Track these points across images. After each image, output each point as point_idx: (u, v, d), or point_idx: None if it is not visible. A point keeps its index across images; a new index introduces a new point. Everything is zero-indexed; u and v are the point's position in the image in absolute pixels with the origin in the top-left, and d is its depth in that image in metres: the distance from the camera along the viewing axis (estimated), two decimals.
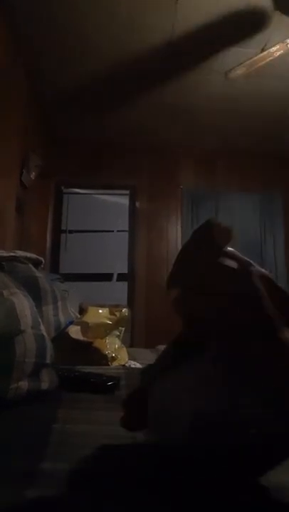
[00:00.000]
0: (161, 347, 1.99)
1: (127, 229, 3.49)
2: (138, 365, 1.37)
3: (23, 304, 0.89)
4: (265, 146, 3.32)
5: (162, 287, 2.86)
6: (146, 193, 3.43)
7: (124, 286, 3.39)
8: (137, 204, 3.46)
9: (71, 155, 3.34)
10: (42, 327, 0.94)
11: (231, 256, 0.48)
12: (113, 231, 3.55)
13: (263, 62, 1.96)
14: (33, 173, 2.50)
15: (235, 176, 3.45)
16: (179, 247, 3.31)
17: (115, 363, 1.33)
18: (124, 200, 3.56)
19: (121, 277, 3.42)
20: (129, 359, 1.44)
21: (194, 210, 3.37)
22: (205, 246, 0.51)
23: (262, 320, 0.42)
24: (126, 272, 3.41)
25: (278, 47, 1.87)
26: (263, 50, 2.00)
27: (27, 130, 2.48)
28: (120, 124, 3.09)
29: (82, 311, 1.77)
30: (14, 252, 1.37)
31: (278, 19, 1.90)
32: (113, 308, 1.58)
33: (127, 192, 3.56)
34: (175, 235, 3.38)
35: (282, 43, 1.86)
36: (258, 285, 0.45)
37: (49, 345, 0.92)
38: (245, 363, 0.43)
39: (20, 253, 1.39)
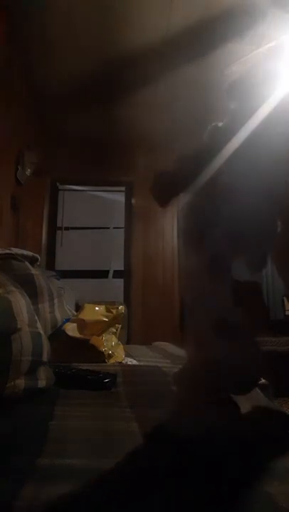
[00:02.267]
0: (158, 344, 2.00)
1: (123, 226, 3.49)
2: (135, 362, 1.37)
3: (19, 302, 0.89)
4: None
5: (158, 284, 2.85)
6: (142, 189, 3.42)
7: (120, 283, 3.39)
8: (133, 201, 3.45)
9: (66, 152, 3.32)
10: (38, 325, 0.94)
11: None
12: (109, 228, 3.55)
13: (259, 60, 1.95)
14: (28, 170, 2.48)
15: None
16: (176, 244, 3.29)
17: (112, 360, 1.33)
18: (120, 197, 3.55)
19: (117, 274, 3.42)
20: (126, 356, 1.45)
21: None
22: None
23: None
24: (122, 268, 3.41)
25: (274, 43, 1.87)
26: (258, 47, 1.99)
27: (22, 127, 2.46)
28: (116, 121, 3.07)
29: (78, 308, 1.77)
30: (10, 250, 1.37)
31: (274, 16, 1.90)
32: (109, 305, 1.58)
33: (123, 189, 3.55)
34: (171, 231, 3.38)
35: (279, 39, 1.85)
36: None
37: (46, 343, 0.92)
38: None
39: (16, 250, 1.38)
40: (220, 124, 0.58)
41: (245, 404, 0.58)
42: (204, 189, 0.54)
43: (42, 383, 0.84)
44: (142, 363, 1.36)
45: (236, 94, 0.56)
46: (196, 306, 0.53)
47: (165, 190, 0.59)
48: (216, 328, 0.48)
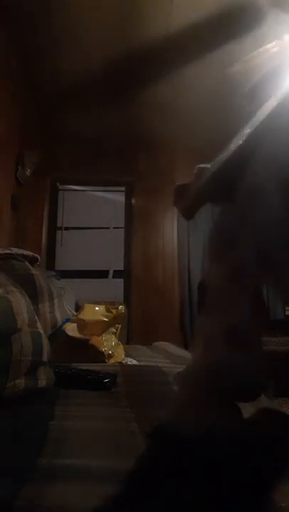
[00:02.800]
0: (158, 344, 2.00)
1: (123, 226, 3.49)
2: (135, 362, 1.37)
3: (19, 302, 0.89)
4: None
5: (158, 284, 2.84)
6: (142, 189, 3.42)
7: (120, 283, 3.39)
8: (133, 201, 3.45)
9: (67, 152, 3.32)
10: (38, 325, 0.94)
11: None
12: (109, 228, 3.55)
13: (260, 59, 1.96)
14: (28, 170, 2.48)
15: None
16: (175, 244, 3.29)
17: (112, 360, 1.33)
18: (120, 197, 3.55)
19: (117, 274, 3.42)
20: (126, 356, 1.45)
21: None
22: None
23: None
24: (122, 268, 3.41)
25: (275, 43, 1.87)
26: (259, 46, 1.99)
27: (22, 127, 2.46)
28: (116, 121, 3.07)
29: (78, 308, 1.77)
30: (10, 250, 1.37)
31: (275, 15, 1.90)
32: (109, 305, 1.58)
33: (123, 189, 3.55)
34: (171, 231, 3.38)
35: (279, 39, 1.85)
36: None
37: (46, 343, 0.92)
38: None
39: (16, 250, 1.39)
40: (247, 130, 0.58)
41: (245, 404, 0.58)
42: (232, 196, 0.54)
43: (42, 383, 0.84)
44: (142, 363, 1.36)
45: (257, 98, 0.56)
46: (212, 310, 0.53)
47: (190, 203, 0.60)
48: (228, 335, 0.48)
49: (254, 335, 0.49)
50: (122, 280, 3.39)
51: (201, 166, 0.64)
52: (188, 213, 0.63)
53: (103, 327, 1.44)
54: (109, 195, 3.57)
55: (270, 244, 0.49)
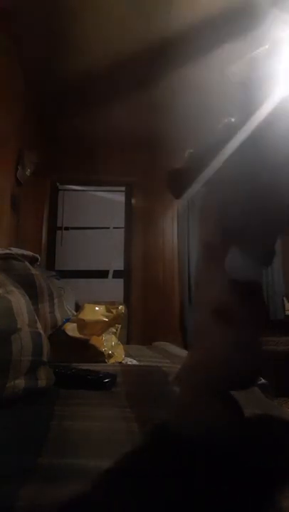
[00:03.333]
0: (158, 344, 2.00)
1: (123, 226, 3.49)
2: (135, 362, 1.37)
3: (19, 302, 0.89)
4: None
5: (158, 284, 2.85)
6: (142, 189, 3.42)
7: (120, 283, 3.39)
8: (133, 201, 3.45)
9: (67, 152, 3.32)
10: (38, 325, 0.94)
11: None
12: (109, 228, 3.55)
13: (259, 59, 1.96)
14: (28, 170, 2.48)
15: None
16: (175, 244, 3.30)
17: (112, 360, 1.33)
18: (120, 197, 3.56)
19: (117, 274, 3.42)
20: (126, 356, 1.45)
21: (190, 207, 3.38)
22: None
23: None
24: (122, 268, 3.41)
25: (274, 44, 1.87)
26: (258, 46, 1.99)
27: (22, 127, 2.46)
28: (116, 121, 3.08)
29: (78, 308, 1.77)
30: (10, 250, 1.37)
31: (275, 16, 1.90)
32: (109, 305, 1.58)
33: (123, 189, 3.55)
34: (171, 231, 3.38)
35: (278, 39, 1.85)
36: None
37: (46, 343, 0.92)
38: None
39: (15, 250, 1.39)
40: (233, 119, 0.59)
41: (245, 404, 0.58)
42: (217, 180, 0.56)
43: (42, 383, 0.84)
44: (142, 363, 1.36)
45: (248, 89, 0.57)
46: (196, 294, 0.54)
47: (179, 185, 0.67)
48: (214, 316, 0.49)
49: (243, 324, 0.49)
50: (122, 280, 3.39)
51: (191, 150, 0.68)
52: (177, 193, 0.70)
53: (103, 327, 1.44)
54: (109, 195, 3.57)
55: (239, 223, 0.50)
